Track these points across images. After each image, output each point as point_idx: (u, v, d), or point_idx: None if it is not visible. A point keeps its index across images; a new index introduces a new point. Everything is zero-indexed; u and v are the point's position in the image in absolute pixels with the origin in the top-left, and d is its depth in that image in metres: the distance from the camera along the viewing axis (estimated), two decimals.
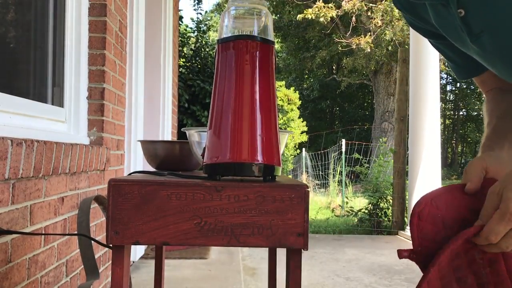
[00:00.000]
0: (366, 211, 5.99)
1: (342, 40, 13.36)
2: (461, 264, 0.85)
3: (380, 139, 7.18)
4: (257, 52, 0.94)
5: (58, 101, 2.14)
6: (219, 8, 19.82)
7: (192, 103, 6.60)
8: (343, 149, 8.28)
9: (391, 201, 5.69)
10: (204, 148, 0.96)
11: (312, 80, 20.63)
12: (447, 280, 0.86)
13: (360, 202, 7.23)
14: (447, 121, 25.32)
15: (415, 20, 1.05)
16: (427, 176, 4.95)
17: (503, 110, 1.01)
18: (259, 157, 0.91)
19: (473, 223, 0.82)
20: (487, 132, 1.00)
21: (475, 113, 23.43)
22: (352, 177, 9.11)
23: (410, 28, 1.32)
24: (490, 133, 0.99)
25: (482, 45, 0.87)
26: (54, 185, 1.73)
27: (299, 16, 12.17)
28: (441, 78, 19.49)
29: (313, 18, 11.92)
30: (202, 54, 7.20)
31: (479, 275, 0.84)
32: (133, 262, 3.47)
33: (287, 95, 10.97)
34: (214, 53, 0.98)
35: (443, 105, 23.73)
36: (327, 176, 9.87)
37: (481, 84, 1.09)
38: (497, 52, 0.87)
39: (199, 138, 1.11)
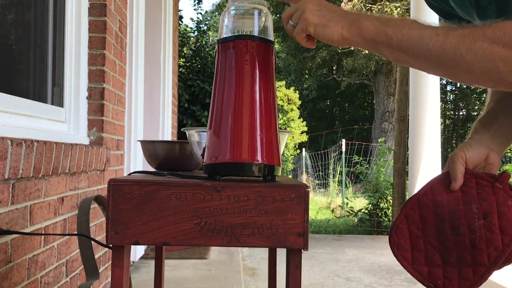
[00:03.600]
0: (366, 211, 5.99)
1: None
2: (458, 211, 0.89)
3: (379, 140, 7.18)
4: (257, 52, 0.94)
5: (58, 101, 2.14)
6: (219, 8, 19.82)
7: (192, 103, 6.60)
8: (343, 149, 8.28)
9: (391, 201, 5.68)
10: (204, 148, 0.96)
11: (311, 80, 20.60)
12: (440, 224, 0.90)
13: (360, 202, 7.23)
14: (447, 121, 25.31)
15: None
16: (427, 176, 4.95)
17: (501, 93, 1.03)
18: (259, 157, 0.91)
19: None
20: (482, 113, 1.05)
21: (475, 113, 23.41)
22: (352, 177, 9.12)
23: None
24: (484, 114, 1.04)
25: (488, 18, 0.87)
26: (54, 185, 1.73)
27: None
28: (441, 78, 19.47)
29: None
30: (202, 54, 7.20)
31: (472, 227, 0.87)
32: (133, 262, 3.47)
33: (287, 95, 10.96)
34: (214, 53, 0.98)
35: (443, 105, 23.72)
36: (327, 176, 9.87)
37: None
38: None
39: (199, 138, 1.11)
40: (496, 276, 3.50)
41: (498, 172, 0.96)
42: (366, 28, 0.82)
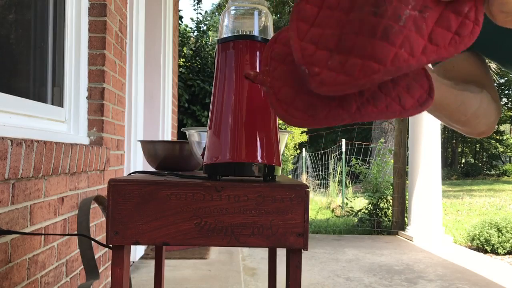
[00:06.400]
0: (366, 211, 5.99)
1: None
2: None
3: (379, 141, 7.18)
4: (257, 52, 0.94)
5: (58, 101, 2.14)
6: (219, 8, 19.82)
7: (192, 103, 6.60)
8: (343, 149, 8.28)
9: (391, 201, 5.69)
10: (204, 148, 0.96)
11: None
12: None
13: (360, 202, 7.23)
14: None
15: None
16: (427, 176, 4.95)
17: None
18: (259, 157, 0.91)
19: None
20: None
21: None
22: (352, 177, 9.12)
23: None
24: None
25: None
26: (54, 185, 1.73)
27: None
28: None
29: None
30: (202, 54, 7.20)
31: (398, 11, 0.61)
32: (133, 262, 3.47)
33: None
34: (214, 53, 0.98)
35: None
36: (327, 176, 9.87)
37: (444, 72, 1.01)
38: (493, 29, 0.85)
39: (199, 138, 1.11)
40: (497, 276, 3.50)
41: None
42: None
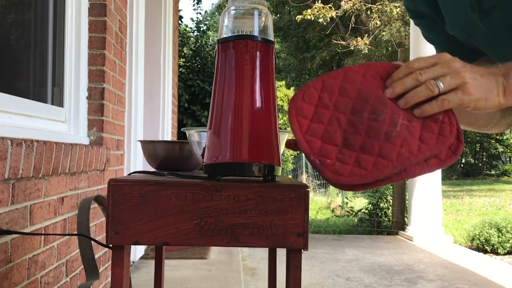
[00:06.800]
0: (366, 211, 5.99)
1: (340, 42, 13.37)
2: (386, 100, 0.79)
3: None
4: (257, 52, 0.94)
5: (58, 101, 2.14)
6: (219, 8, 19.82)
7: (192, 103, 6.61)
8: None
9: (391, 201, 5.69)
10: (204, 148, 0.96)
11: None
12: (360, 104, 0.79)
13: (360, 202, 7.24)
14: None
15: (410, 2, 1.05)
16: (427, 176, 4.95)
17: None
18: (259, 157, 0.91)
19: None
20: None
21: None
22: None
23: (410, 29, 1.33)
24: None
25: (492, 23, 0.87)
26: (54, 185, 1.73)
27: (298, 17, 12.18)
28: None
29: (312, 19, 11.92)
30: (202, 54, 7.20)
31: (395, 120, 0.77)
32: (133, 262, 3.47)
33: (287, 95, 10.97)
34: (214, 53, 0.98)
35: None
36: None
37: None
38: (507, 30, 0.87)
39: (199, 138, 1.11)
40: (497, 276, 3.50)
41: None
42: None
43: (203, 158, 0.96)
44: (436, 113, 0.77)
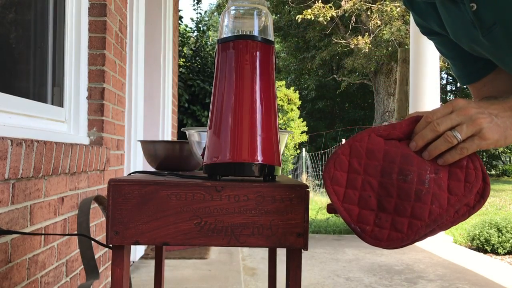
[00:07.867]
0: None
1: (340, 41, 13.37)
2: (412, 156, 0.82)
3: None
4: (257, 52, 0.94)
5: (58, 101, 2.14)
6: (219, 8, 19.82)
7: (192, 103, 6.60)
8: None
9: None
10: (204, 148, 0.96)
11: (311, 80, 20.60)
12: (388, 165, 0.82)
13: None
14: None
15: (420, 19, 1.06)
16: None
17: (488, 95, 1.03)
18: (259, 157, 0.91)
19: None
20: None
21: None
22: None
23: (410, 28, 1.34)
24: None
25: (494, 39, 0.87)
26: (54, 185, 1.73)
27: (298, 17, 12.18)
28: (441, 78, 19.51)
29: (312, 18, 11.93)
30: (202, 54, 7.20)
31: (422, 178, 0.80)
32: (133, 262, 3.47)
33: (287, 95, 10.96)
34: (214, 53, 0.98)
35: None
36: None
37: (476, 91, 1.08)
38: (509, 44, 0.88)
39: (199, 138, 1.11)
40: (497, 276, 3.50)
41: None
42: None
43: (203, 158, 0.96)
44: (462, 160, 0.81)
